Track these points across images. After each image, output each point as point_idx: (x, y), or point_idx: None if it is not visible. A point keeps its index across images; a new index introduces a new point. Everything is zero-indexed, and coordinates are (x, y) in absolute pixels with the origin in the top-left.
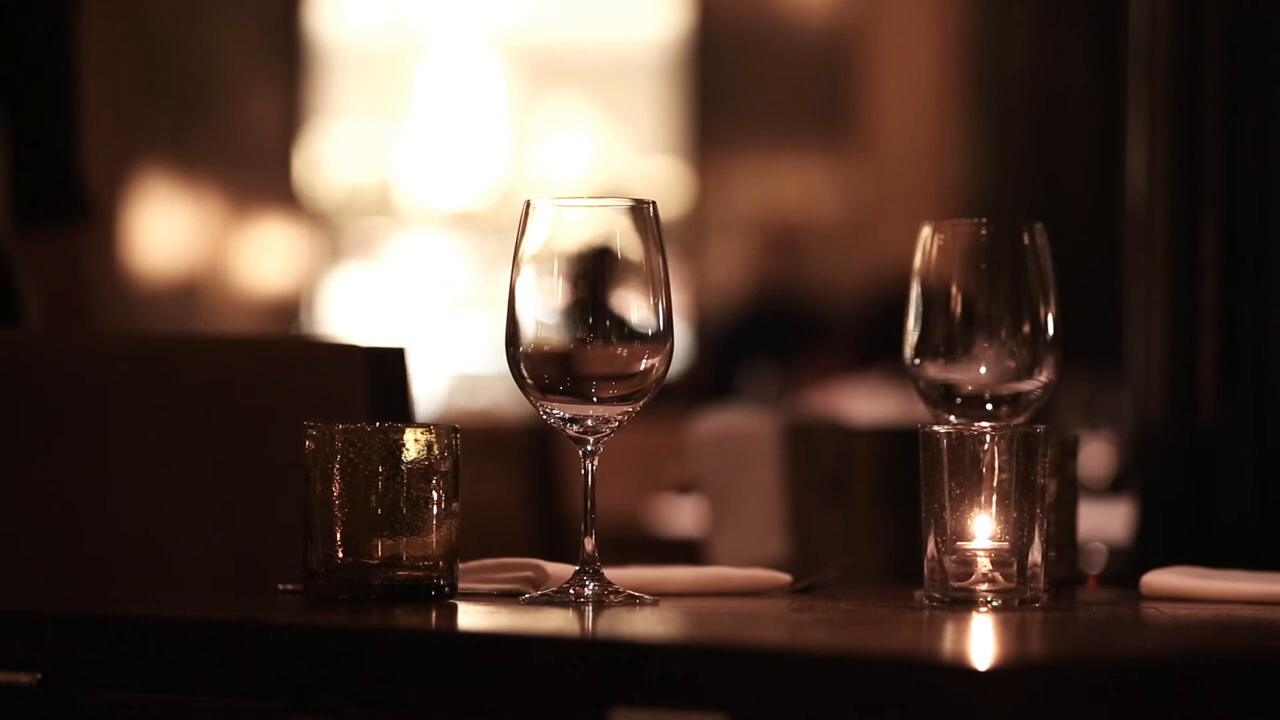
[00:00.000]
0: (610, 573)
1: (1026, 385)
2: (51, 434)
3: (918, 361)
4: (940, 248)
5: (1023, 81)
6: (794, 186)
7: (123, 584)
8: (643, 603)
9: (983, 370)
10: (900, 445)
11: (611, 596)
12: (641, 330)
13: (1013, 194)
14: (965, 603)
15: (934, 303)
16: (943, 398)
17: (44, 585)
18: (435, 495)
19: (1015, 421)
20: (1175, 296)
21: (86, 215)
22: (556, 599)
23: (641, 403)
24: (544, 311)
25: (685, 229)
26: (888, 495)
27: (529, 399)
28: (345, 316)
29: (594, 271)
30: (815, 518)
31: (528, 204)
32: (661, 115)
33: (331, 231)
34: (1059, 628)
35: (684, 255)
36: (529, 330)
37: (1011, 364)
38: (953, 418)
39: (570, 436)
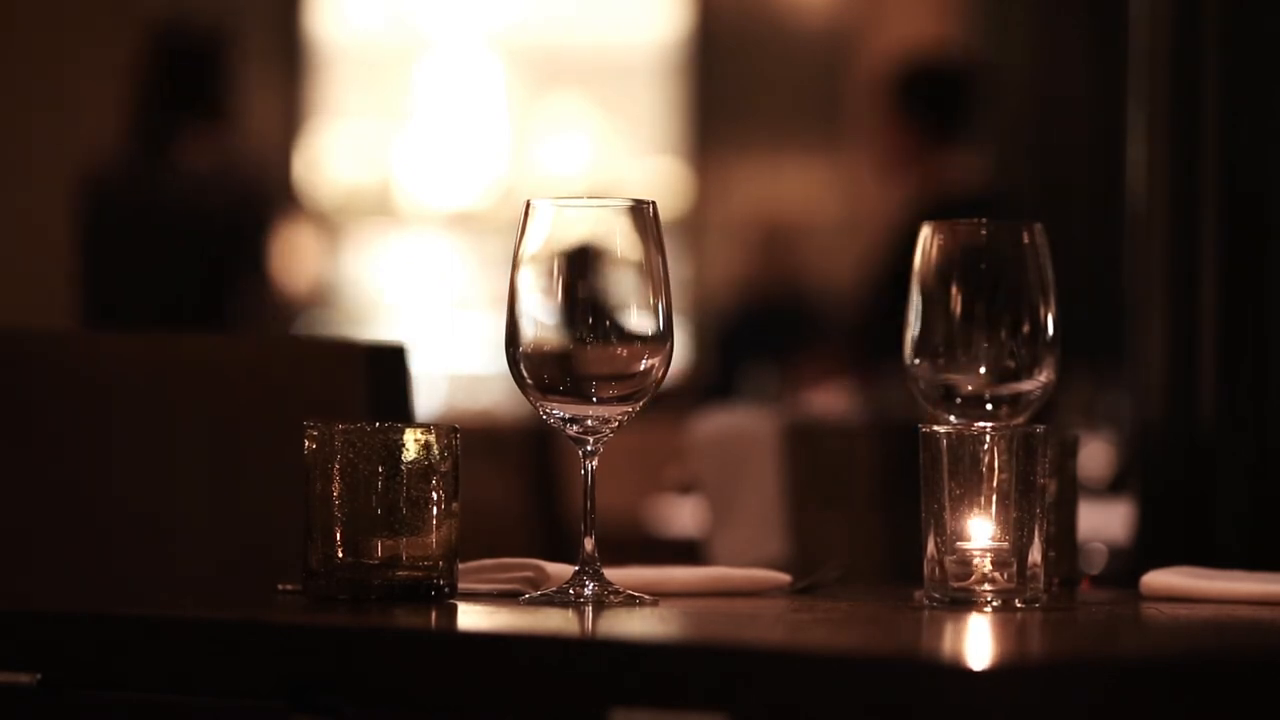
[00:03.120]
0: (610, 573)
1: (1026, 385)
2: (53, 433)
3: (917, 361)
4: (940, 248)
5: (1023, 81)
6: (794, 186)
7: (123, 583)
8: (642, 603)
9: (982, 370)
10: (900, 445)
11: (611, 596)
12: (641, 330)
13: (1013, 194)
14: (965, 603)
15: (934, 303)
16: (942, 398)
17: (45, 582)
18: (435, 495)
19: (1015, 421)
20: (1175, 296)
21: None
22: (556, 599)
23: (641, 403)
24: (544, 311)
25: (685, 229)
26: (888, 495)
27: (529, 399)
28: (346, 316)
29: (594, 272)
30: (815, 518)
31: (528, 204)
32: (661, 115)
33: (331, 231)
34: (1059, 628)
35: (684, 255)
36: (529, 330)
37: (1011, 364)
38: (953, 418)
39: (570, 436)
